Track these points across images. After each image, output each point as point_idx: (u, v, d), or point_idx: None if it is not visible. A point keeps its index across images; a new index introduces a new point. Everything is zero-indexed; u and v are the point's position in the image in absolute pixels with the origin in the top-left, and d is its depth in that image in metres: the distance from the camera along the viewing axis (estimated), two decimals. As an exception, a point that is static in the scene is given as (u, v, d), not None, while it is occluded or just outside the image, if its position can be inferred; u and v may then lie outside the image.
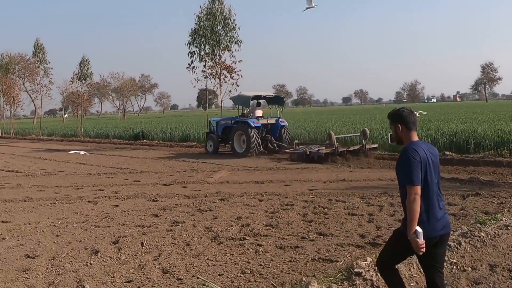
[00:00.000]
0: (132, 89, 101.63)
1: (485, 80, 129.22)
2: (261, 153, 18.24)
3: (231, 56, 23.25)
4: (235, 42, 23.05)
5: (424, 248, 3.28)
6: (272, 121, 19.24)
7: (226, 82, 23.01)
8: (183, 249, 6.51)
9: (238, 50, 23.16)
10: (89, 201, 10.19)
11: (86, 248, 6.68)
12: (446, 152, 15.27)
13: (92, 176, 14.30)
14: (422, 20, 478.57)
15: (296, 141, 18.48)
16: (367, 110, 79.84)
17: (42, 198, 10.70)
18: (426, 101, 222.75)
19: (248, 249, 6.36)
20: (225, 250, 6.36)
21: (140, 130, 30.83)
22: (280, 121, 19.26)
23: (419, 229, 3.27)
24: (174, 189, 11.48)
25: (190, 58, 23.58)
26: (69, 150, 24.29)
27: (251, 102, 19.31)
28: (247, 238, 6.84)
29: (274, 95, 20.54)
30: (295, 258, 5.84)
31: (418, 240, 3.26)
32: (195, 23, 23.48)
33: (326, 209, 8.53)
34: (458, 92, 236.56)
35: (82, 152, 22.32)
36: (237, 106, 20.08)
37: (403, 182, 3.30)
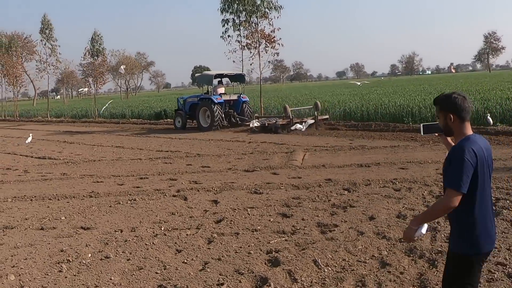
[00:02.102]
0: (134, 67, 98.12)
1: (488, 50, 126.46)
2: (225, 127, 19.68)
3: (269, 23, 20.90)
4: (274, 8, 20.66)
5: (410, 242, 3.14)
6: (234, 97, 20.31)
7: (266, 52, 20.72)
8: (390, 273, 4.48)
9: (278, 17, 20.83)
10: (174, 196, 8.17)
11: (240, 271, 4.71)
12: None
13: (146, 162, 12.23)
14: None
15: (256, 115, 20.36)
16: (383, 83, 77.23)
17: (111, 192, 8.66)
18: (421, 73, 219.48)
19: (491, 271, 4.35)
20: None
21: (162, 109, 28.54)
22: (242, 97, 20.27)
23: (424, 229, 2.86)
24: (265, 176, 9.46)
25: (223, 26, 21.23)
26: (90, 132, 22.11)
27: (214, 80, 20.22)
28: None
29: (235, 73, 21.08)
30: None
31: (414, 235, 2.87)
32: (228, -13, 21.06)
33: (508, 202, 6.51)
34: (452, 64, 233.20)
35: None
36: (201, 84, 21.31)
37: (448, 184, 2.74)
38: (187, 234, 5.99)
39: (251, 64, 21.29)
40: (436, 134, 3.19)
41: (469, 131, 2.87)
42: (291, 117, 17.23)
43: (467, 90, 27.73)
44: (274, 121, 17.56)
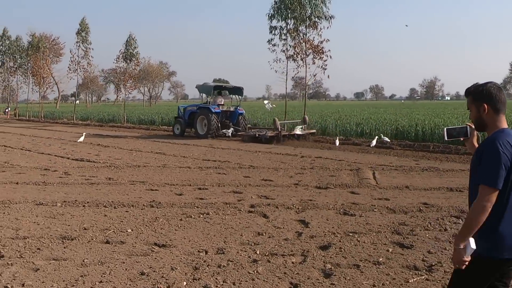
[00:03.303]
0: (159, 75, 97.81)
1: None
2: (220, 136, 20.34)
3: (318, 34, 19.89)
4: (325, 17, 19.65)
5: (462, 265, 2.54)
6: (231, 108, 21.47)
7: (314, 63, 19.68)
8: None
9: (328, 27, 19.80)
10: (250, 212, 7.07)
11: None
12: None
13: (197, 171, 11.18)
14: (444, 16, 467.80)
15: (249, 126, 21.86)
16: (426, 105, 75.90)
17: (173, 203, 7.62)
18: (440, 98, 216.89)
19: None
20: None
21: (194, 118, 27.58)
22: (238, 109, 21.28)
23: (473, 243, 2.47)
24: (345, 195, 8.35)
25: (271, 33, 20.27)
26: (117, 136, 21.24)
27: (214, 91, 21.27)
28: None
29: (234, 86, 22.34)
30: None
31: (464, 256, 2.49)
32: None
33: None
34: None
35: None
36: (201, 94, 22.03)
37: (479, 180, 2.46)
38: (293, 262, 4.87)
39: (292, 77, 20.28)
40: (461, 139, 2.91)
41: (504, 124, 2.62)
42: (279, 129, 18.20)
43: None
44: (264, 133, 18.51)
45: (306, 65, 19.82)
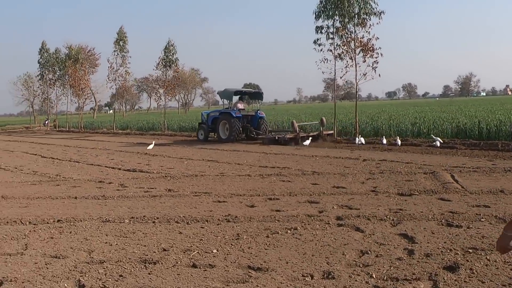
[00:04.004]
0: (192, 82, 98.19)
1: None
2: (242, 139, 21.58)
3: (366, 32, 18.99)
4: (374, 13, 18.74)
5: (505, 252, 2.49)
6: (252, 113, 22.22)
7: (364, 61, 18.78)
8: None
9: (378, 23, 18.86)
10: (340, 225, 6.38)
11: None
12: None
13: (259, 179, 10.52)
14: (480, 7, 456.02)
15: (269, 129, 22.56)
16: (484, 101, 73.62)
17: (251, 217, 7.03)
18: (475, 95, 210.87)
19: None
20: None
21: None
22: (259, 113, 22.06)
23: None
24: (436, 203, 7.53)
25: (317, 33, 19.49)
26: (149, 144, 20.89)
27: (234, 96, 22.33)
28: None
29: (254, 91, 23.64)
30: None
31: (510, 243, 2.38)
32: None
33: None
34: (508, 86, 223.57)
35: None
36: (222, 99, 22.62)
37: None
38: (423, 289, 4.09)
39: (341, 77, 19.39)
40: None
41: None
42: (298, 131, 18.93)
43: None
44: (283, 135, 19.21)
45: (356, 63, 18.89)
